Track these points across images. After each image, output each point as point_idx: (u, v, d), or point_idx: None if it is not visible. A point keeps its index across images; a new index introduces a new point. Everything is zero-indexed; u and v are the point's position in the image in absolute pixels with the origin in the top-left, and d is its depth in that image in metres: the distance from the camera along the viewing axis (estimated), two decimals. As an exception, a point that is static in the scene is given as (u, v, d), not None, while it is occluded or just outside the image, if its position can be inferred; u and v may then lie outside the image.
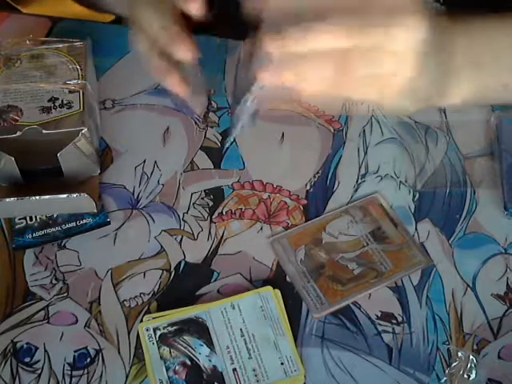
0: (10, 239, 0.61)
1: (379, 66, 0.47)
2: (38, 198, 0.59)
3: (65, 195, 0.60)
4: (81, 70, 0.67)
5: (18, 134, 0.61)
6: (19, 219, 0.61)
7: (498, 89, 0.52)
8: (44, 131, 0.62)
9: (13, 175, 0.61)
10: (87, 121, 0.63)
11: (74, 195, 0.60)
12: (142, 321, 0.57)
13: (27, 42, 0.69)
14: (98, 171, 0.65)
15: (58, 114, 0.63)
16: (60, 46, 0.69)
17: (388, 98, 0.50)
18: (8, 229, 0.62)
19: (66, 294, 0.59)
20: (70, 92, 0.65)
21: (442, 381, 0.55)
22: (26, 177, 0.62)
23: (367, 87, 0.49)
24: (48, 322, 0.57)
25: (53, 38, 0.75)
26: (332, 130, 0.71)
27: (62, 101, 0.64)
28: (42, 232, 0.61)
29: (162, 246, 0.62)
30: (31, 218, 0.62)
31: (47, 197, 0.60)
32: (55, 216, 0.62)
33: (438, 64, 0.48)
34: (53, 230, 0.61)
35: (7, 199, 0.59)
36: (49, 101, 0.64)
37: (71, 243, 0.62)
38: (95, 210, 0.61)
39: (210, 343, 0.55)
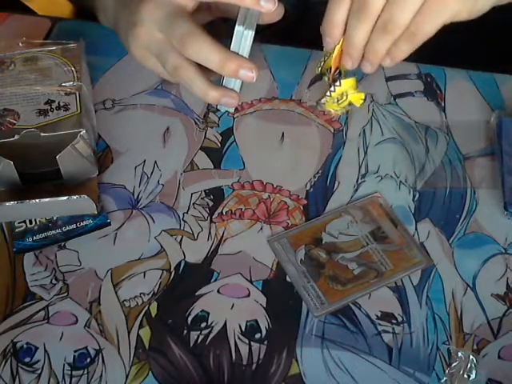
0: (9, 239, 0.61)
1: None
2: (37, 201, 0.59)
3: (65, 197, 0.60)
4: (76, 71, 0.66)
5: (16, 137, 0.61)
6: (19, 223, 0.61)
7: None
8: (42, 134, 0.61)
9: (12, 179, 0.61)
10: (85, 122, 0.63)
11: (75, 197, 0.60)
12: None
13: (20, 44, 0.68)
14: (97, 172, 0.65)
15: (56, 117, 0.63)
16: (53, 48, 0.68)
17: None
18: (8, 229, 0.62)
19: (66, 294, 0.59)
20: (66, 94, 0.64)
21: (442, 381, 0.55)
22: (25, 180, 0.62)
23: None
24: (48, 322, 0.57)
25: (52, 38, 0.76)
26: (332, 130, 0.71)
27: (59, 103, 0.64)
28: (43, 235, 0.61)
29: (161, 246, 0.62)
30: (31, 221, 0.61)
31: (47, 200, 0.59)
32: (55, 218, 0.62)
33: None
34: (53, 232, 0.61)
35: (7, 203, 0.59)
36: (45, 103, 0.64)
37: (71, 243, 0.61)
38: (96, 212, 0.61)
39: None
